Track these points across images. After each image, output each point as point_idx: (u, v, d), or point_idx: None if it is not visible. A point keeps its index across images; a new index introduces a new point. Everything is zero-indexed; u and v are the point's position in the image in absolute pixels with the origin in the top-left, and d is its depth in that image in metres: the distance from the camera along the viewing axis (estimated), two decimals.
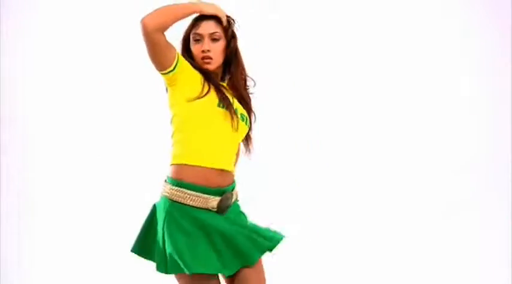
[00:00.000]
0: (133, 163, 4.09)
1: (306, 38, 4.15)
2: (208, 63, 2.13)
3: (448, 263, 4.01)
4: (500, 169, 4.08)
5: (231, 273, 2.08)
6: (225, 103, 2.09)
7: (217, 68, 2.20)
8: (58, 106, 4.19)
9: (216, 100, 2.10)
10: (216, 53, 2.13)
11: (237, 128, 2.11)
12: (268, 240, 2.14)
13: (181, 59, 2.08)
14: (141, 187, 3.89)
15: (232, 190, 2.17)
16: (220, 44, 2.15)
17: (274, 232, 2.21)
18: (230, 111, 2.08)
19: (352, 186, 4.12)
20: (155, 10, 2.02)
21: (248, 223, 2.19)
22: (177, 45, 2.21)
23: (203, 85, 2.07)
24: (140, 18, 2.02)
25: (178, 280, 2.10)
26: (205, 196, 2.06)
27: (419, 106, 4.15)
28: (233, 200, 2.16)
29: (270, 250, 2.14)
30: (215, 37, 2.13)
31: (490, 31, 4.09)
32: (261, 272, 2.14)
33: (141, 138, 4.01)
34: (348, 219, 4.08)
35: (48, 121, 4.18)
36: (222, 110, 2.09)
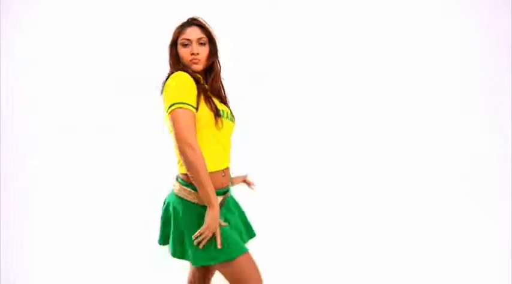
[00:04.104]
0: (133, 163, 4.09)
1: (306, 40, 4.15)
2: (196, 63, 2.38)
3: (448, 263, 4.01)
4: (501, 169, 4.08)
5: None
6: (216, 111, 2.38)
7: (202, 70, 2.44)
8: (58, 106, 4.19)
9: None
10: (203, 55, 2.39)
11: (222, 127, 2.34)
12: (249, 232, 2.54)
13: (193, 102, 2.27)
14: (140, 187, 3.89)
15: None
16: (206, 48, 2.41)
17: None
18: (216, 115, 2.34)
19: (351, 187, 4.12)
20: (197, 172, 2.18)
21: (241, 210, 2.55)
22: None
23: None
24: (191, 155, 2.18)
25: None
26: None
27: (419, 107, 4.15)
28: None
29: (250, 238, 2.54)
30: (202, 41, 2.39)
31: (490, 31, 4.10)
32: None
33: (140, 139, 4.01)
34: (348, 220, 4.08)
35: (48, 121, 4.19)
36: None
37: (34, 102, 4.18)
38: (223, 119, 2.34)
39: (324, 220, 4.06)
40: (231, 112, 2.46)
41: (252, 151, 3.79)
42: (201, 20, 2.43)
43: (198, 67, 2.38)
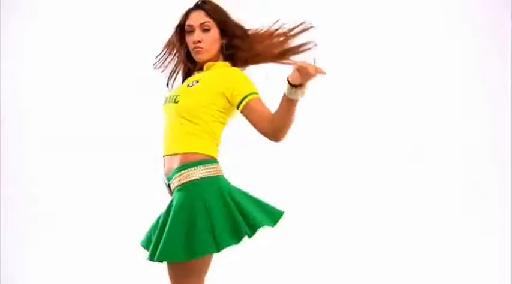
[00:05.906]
0: (133, 163, 4.09)
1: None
2: (198, 52, 2.12)
3: (448, 264, 4.01)
4: (501, 170, 4.09)
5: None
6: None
7: (213, 57, 2.16)
8: (58, 107, 4.19)
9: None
10: (207, 42, 2.12)
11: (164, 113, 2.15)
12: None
13: None
14: (140, 187, 3.89)
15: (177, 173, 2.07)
16: (212, 34, 2.13)
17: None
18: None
19: (351, 187, 4.12)
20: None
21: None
22: None
23: None
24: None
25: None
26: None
27: (419, 107, 4.16)
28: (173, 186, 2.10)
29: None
30: (205, 27, 2.12)
31: (491, 31, 4.10)
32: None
33: (141, 139, 4.01)
34: (348, 220, 4.08)
35: (48, 122, 4.19)
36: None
37: (34, 102, 4.18)
38: (164, 106, 2.17)
39: (323, 220, 4.07)
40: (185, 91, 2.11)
41: (252, 152, 3.79)
42: (210, 3, 2.15)
43: (202, 56, 2.12)
